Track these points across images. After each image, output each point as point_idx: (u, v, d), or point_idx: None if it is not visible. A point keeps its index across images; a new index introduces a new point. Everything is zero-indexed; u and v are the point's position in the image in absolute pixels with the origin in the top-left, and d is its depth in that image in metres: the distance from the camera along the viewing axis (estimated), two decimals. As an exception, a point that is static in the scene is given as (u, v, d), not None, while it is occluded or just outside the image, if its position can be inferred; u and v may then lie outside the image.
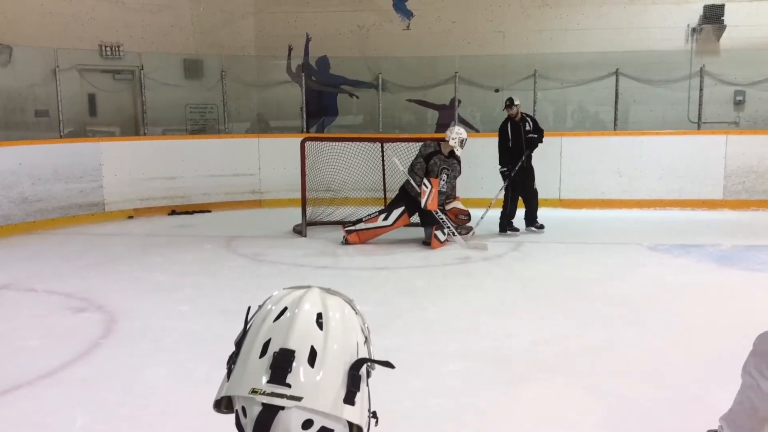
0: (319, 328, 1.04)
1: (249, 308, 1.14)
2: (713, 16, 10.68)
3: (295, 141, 8.86)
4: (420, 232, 7.81)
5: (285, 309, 1.07)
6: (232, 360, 1.07)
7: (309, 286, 1.14)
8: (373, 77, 11.30)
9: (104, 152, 9.47)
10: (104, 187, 9.40)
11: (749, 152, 10.02)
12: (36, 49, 9.41)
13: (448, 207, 7.83)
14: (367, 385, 1.09)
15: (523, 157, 8.11)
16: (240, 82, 11.35)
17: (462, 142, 7.59)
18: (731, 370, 2.59)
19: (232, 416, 1.08)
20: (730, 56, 10.71)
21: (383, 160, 8.70)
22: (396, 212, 7.64)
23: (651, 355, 4.26)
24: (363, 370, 1.06)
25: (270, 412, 0.99)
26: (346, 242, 7.63)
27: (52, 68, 9.40)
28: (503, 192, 8.21)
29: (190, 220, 9.55)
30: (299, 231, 8.26)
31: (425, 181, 7.45)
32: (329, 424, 1.01)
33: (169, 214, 9.89)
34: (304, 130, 11.06)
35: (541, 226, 8.25)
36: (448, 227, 7.54)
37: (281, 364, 1.00)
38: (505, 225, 8.20)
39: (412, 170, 7.66)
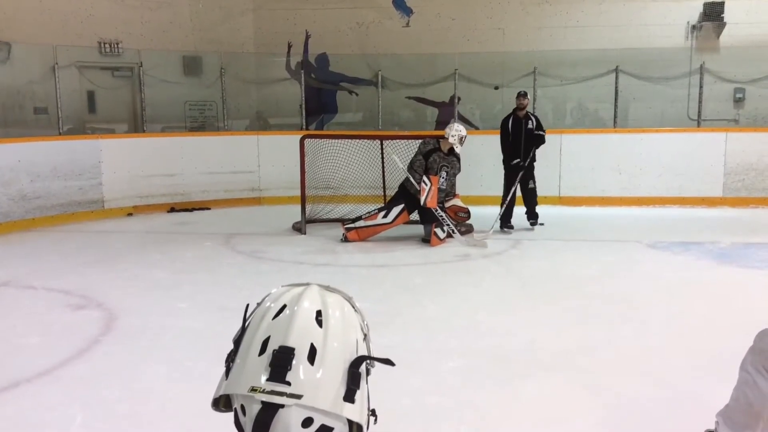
0: (319, 326, 1.04)
1: (248, 306, 1.14)
2: (713, 14, 10.66)
3: (294, 138, 8.86)
4: (419, 230, 7.81)
5: (284, 306, 1.06)
6: (231, 358, 1.06)
7: (308, 284, 1.14)
8: (372, 74, 11.28)
9: (103, 149, 9.46)
10: (103, 185, 9.40)
11: (749, 150, 10.02)
12: (35, 46, 9.40)
13: (447, 204, 7.82)
14: (367, 382, 1.08)
15: (531, 153, 8.10)
16: (239, 79, 11.33)
17: (461, 140, 7.58)
18: (730, 367, 2.59)
19: (231, 414, 1.07)
20: (730, 53, 10.68)
21: (383, 158, 8.70)
22: (395, 210, 7.64)
23: (650, 352, 4.26)
24: (363, 368, 1.06)
25: (270, 411, 0.98)
26: (345, 239, 7.64)
27: (51, 65, 9.38)
28: (517, 185, 8.17)
29: (190, 218, 9.55)
30: (299, 228, 8.26)
31: (425, 178, 7.44)
32: (329, 422, 1.01)
33: (168, 212, 9.89)
34: (304, 127, 11.05)
35: (535, 223, 8.27)
36: (448, 225, 7.54)
37: (281, 362, 0.99)
38: (504, 222, 8.20)
39: (411, 168, 7.66)
